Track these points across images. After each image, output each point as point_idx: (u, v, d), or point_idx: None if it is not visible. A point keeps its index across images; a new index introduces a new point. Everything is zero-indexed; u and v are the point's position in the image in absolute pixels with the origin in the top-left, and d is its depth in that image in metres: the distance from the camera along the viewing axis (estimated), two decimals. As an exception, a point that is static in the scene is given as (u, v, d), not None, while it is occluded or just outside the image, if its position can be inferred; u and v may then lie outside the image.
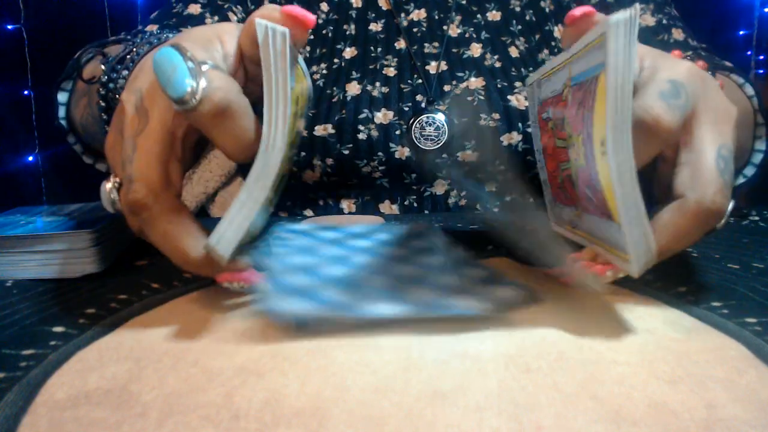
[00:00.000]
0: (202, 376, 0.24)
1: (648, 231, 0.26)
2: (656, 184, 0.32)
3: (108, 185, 0.30)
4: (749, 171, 0.51)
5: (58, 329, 0.29)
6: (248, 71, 0.31)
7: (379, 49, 0.65)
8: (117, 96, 0.39)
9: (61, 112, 0.52)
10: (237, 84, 0.28)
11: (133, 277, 0.37)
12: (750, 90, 0.51)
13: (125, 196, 0.28)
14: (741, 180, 0.51)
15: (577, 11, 0.31)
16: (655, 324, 0.28)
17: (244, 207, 0.27)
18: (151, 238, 0.29)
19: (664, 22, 0.65)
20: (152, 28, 0.62)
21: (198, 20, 0.64)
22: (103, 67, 0.40)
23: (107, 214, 0.43)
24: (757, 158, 0.51)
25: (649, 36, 0.63)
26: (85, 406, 0.22)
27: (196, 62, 0.26)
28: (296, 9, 0.29)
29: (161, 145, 0.28)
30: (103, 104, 0.40)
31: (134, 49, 0.39)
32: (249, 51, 0.30)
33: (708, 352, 0.25)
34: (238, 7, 0.67)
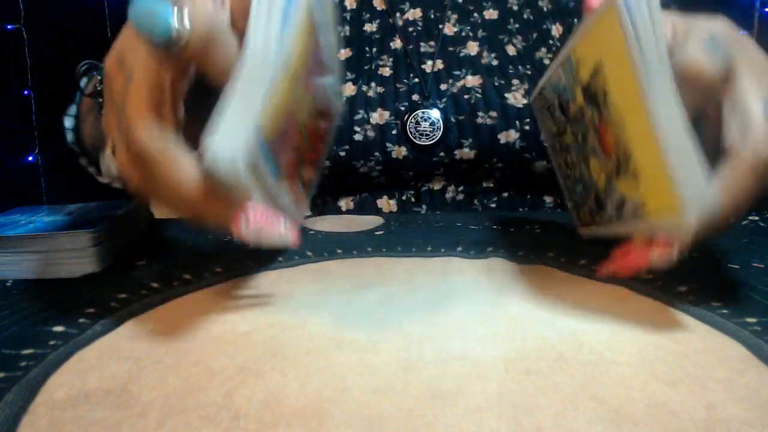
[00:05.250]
0: (202, 376, 0.24)
1: (702, 175, 0.25)
2: (702, 145, 0.32)
3: (107, 152, 0.29)
4: None
5: (58, 329, 0.29)
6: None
7: (374, 49, 0.65)
8: None
9: (69, 137, 0.53)
10: (219, 9, 0.26)
11: (133, 277, 0.37)
12: None
13: (125, 150, 0.27)
14: None
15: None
16: (655, 324, 0.28)
17: (236, 110, 0.24)
18: (153, 186, 0.27)
19: None
20: None
21: None
22: (100, 78, 0.39)
23: (107, 214, 0.43)
24: None
25: None
26: (84, 406, 0.22)
27: None
28: None
29: (151, 92, 0.27)
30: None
31: None
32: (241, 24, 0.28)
33: (708, 352, 0.25)
34: None
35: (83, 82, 0.51)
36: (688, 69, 0.27)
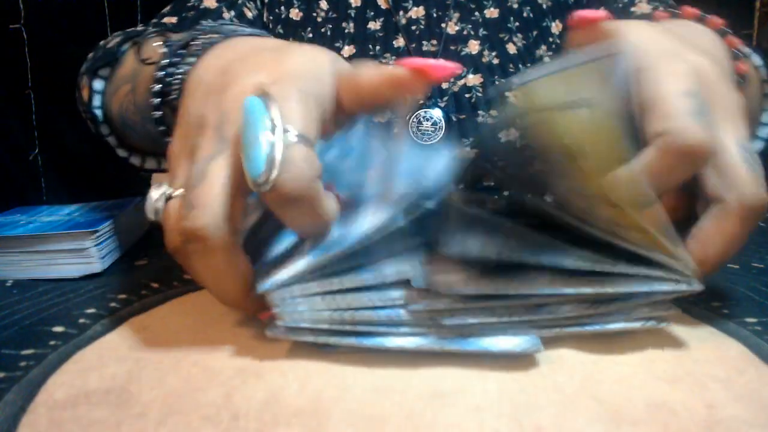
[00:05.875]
0: (202, 376, 0.24)
1: (684, 250, 0.25)
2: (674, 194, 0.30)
3: (156, 193, 0.27)
4: (756, 145, 0.49)
5: (58, 329, 0.29)
6: (336, 117, 0.28)
7: (378, 47, 0.65)
8: (174, 82, 0.34)
9: (97, 100, 0.48)
10: (316, 165, 0.25)
11: (133, 277, 0.37)
12: (757, 60, 0.50)
13: (181, 220, 0.25)
14: None
15: (588, 14, 0.28)
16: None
17: (308, 264, 0.25)
18: (195, 267, 0.26)
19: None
20: (170, 20, 0.62)
21: (215, 14, 0.64)
22: (164, 50, 0.35)
23: (107, 214, 0.43)
24: (765, 132, 0.48)
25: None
26: (84, 405, 0.22)
27: (281, 128, 0.24)
28: (430, 63, 0.26)
29: (234, 178, 0.25)
30: (158, 87, 0.35)
31: (201, 36, 0.35)
32: (350, 107, 0.27)
33: (708, 351, 0.25)
34: (251, 2, 0.67)
35: (123, 49, 0.47)
36: (690, 144, 0.25)
